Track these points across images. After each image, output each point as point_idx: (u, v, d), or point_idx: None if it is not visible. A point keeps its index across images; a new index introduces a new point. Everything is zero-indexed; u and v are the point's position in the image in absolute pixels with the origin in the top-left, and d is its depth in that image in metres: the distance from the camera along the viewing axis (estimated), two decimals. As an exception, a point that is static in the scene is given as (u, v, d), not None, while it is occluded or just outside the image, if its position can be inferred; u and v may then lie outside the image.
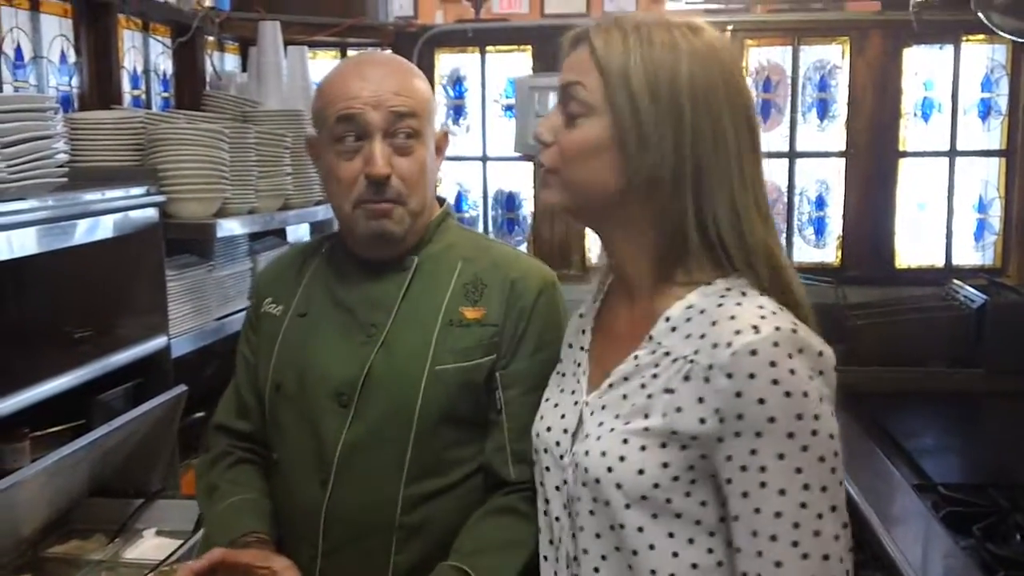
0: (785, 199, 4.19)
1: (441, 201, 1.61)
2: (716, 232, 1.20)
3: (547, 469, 1.31)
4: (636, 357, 1.23)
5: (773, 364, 1.11)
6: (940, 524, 2.22)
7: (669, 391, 1.17)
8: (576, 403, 1.30)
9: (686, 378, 1.15)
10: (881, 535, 2.18)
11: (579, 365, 1.34)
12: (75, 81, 2.96)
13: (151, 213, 2.38)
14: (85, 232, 2.14)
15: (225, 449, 1.62)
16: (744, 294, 1.19)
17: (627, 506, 1.17)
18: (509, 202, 4.39)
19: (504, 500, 1.45)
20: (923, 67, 4.08)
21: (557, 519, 1.30)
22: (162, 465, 2.41)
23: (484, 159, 4.35)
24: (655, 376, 1.19)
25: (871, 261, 4.11)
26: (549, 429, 1.32)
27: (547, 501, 1.32)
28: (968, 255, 4.18)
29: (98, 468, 2.23)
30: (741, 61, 1.23)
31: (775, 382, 1.10)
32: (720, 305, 1.18)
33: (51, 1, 2.83)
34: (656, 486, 1.16)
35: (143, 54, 3.31)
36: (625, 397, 1.22)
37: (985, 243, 4.18)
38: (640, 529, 1.17)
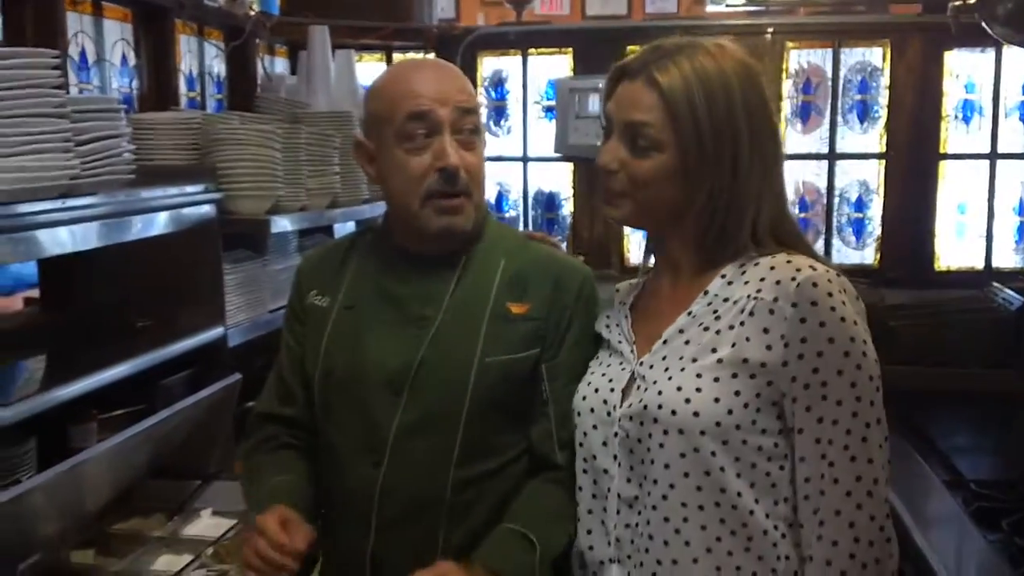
0: (824, 201, 4.21)
1: None
2: (761, 225, 1.40)
3: (594, 427, 1.46)
4: (690, 313, 1.41)
5: (830, 295, 1.31)
6: (970, 519, 2.26)
7: (732, 327, 1.35)
8: (623, 367, 1.45)
9: (751, 313, 1.34)
10: (911, 528, 2.22)
11: (621, 342, 1.49)
12: (135, 83, 3.08)
13: (209, 209, 2.49)
14: (147, 227, 2.25)
15: (268, 434, 1.69)
16: (790, 255, 1.39)
17: (702, 432, 1.33)
18: (549, 202, 4.46)
19: (554, 475, 1.54)
20: (964, 69, 4.09)
21: (605, 471, 1.43)
22: (218, 448, 2.51)
23: (525, 160, 4.42)
24: (717, 318, 1.37)
25: (910, 263, 4.11)
26: (597, 391, 1.47)
27: (592, 458, 1.46)
28: (1008, 258, 4.17)
29: (159, 450, 2.34)
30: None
31: (833, 309, 1.31)
32: (774, 258, 1.38)
33: (113, 6, 2.95)
34: (729, 412, 1.33)
35: (198, 57, 3.43)
36: (687, 343, 1.39)
37: (1025, 246, 4.18)
38: (713, 453, 1.33)
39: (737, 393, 1.33)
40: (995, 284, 3.84)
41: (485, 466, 1.55)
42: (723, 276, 1.41)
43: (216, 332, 2.49)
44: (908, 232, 4.13)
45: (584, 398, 1.49)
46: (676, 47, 1.41)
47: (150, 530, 2.28)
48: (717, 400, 1.33)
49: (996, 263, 4.15)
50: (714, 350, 1.35)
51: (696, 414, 1.33)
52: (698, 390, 1.34)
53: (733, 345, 1.34)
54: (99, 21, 2.92)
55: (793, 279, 1.33)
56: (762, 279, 1.36)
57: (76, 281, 2.54)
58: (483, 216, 1.64)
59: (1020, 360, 3.43)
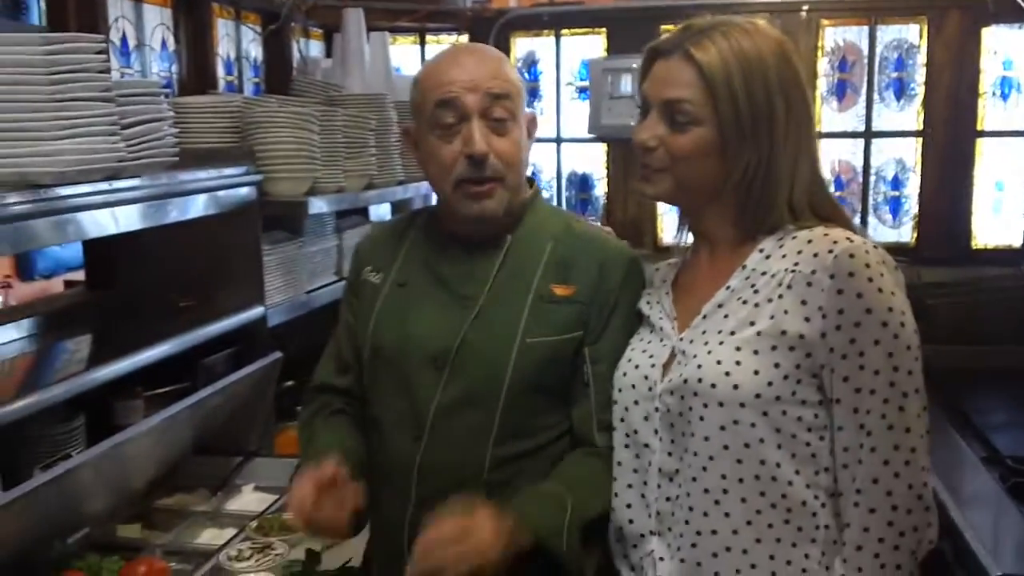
0: (860, 179, 4.18)
1: (531, 182, 1.70)
2: (797, 198, 1.42)
3: (635, 403, 1.48)
4: (729, 287, 1.43)
5: (868, 265, 1.33)
6: (1007, 494, 2.27)
7: (771, 300, 1.37)
8: (664, 344, 1.48)
9: (789, 286, 1.36)
10: (947, 504, 2.23)
11: (662, 318, 1.52)
12: (174, 68, 3.13)
13: (249, 191, 2.53)
14: (189, 209, 2.29)
15: (324, 403, 1.73)
16: (827, 228, 1.40)
17: (742, 404, 1.35)
18: (583, 183, 4.47)
19: (595, 450, 1.56)
20: (1002, 46, 4.04)
21: (646, 445, 1.46)
22: (259, 426, 2.56)
23: (558, 140, 4.43)
24: (755, 291, 1.39)
25: (947, 241, 4.07)
26: (637, 367, 1.49)
27: (633, 433, 1.49)
28: (1046, 235, 4.13)
29: (202, 427, 2.38)
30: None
31: (870, 280, 1.32)
32: (811, 231, 1.39)
33: (152, -9, 3.00)
34: (769, 384, 1.35)
35: (235, 41, 3.47)
36: (727, 317, 1.41)
37: (1063, 223, 4.13)
38: (753, 424, 1.35)
39: (776, 365, 1.34)
40: (1033, 262, 3.80)
41: (523, 446, 1.57)
42: (761, 250, 1.42)
43: (256, 312, 2.53)
44: (945, 210, 4.10)
45: (625, 374, 1.51)
46: (710, 25, 1.42)
47: (194, 505, 2.34)
48: (756, 373, 1.34)
49: (1034, 241, 4.11)
50: (752, 323, 1.37)
51: (736, 387, 1.35)
52: (737, 363, 1.35)
53: (771, 318, 1.35)
54: (139, 7, 2.97)
55: (830, 251, 1.34)
56: (799, 252, 1.37)
57: (120, 262, 2.60)
58: (523, 199, 1.65)
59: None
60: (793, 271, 1.36)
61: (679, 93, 1.41)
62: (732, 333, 1.38)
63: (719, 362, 1.37)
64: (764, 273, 1.40)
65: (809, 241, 1.38)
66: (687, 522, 1.41)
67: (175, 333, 2.25)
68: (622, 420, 1.52)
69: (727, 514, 1.37)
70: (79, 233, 1.93)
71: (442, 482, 1.54)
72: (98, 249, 2.60)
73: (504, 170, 1.57)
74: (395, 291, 1.65)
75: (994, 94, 4.08)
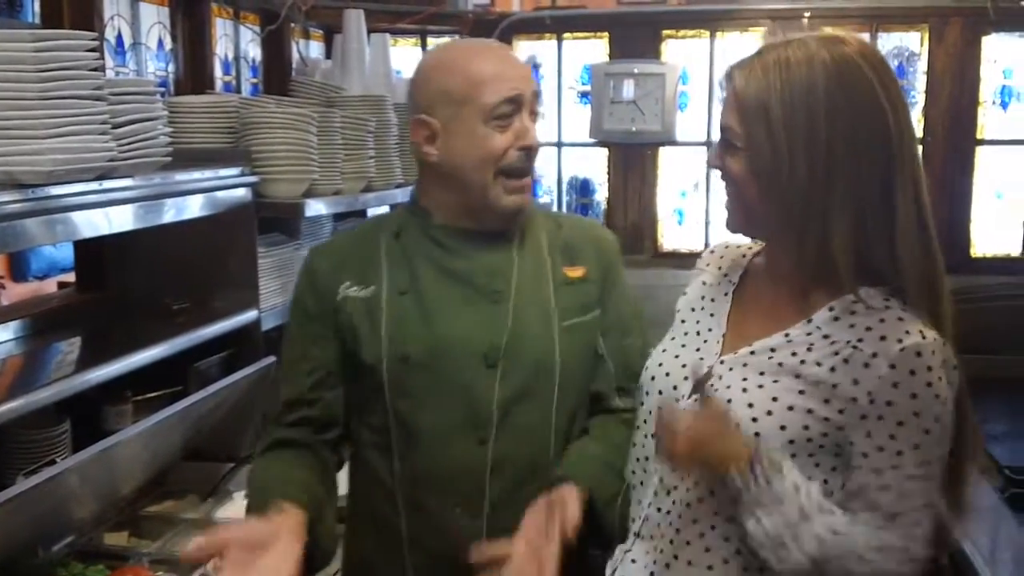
0: (860, 186, 4.16)
1: None
2: (859, 248, 1.31)
3: (659, 409, 1.43)
4: (787, 335, 1.36)
5: (930, 369, 1.27)
6: (1005, 504, 2.25)
7: (821, 365, 1.31)
8: (702, 359, 1.42)
9: (845, 360, 1.30)
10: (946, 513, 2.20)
11: (711, 331, 1.47)
12: (171, 67, 3.10)
13: (244, 193, 2.50)
14: (183, 210, 2.26)
15: (275, 437, 1.64)
16: (904, 306, 1.32)
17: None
18: (583, 188, 4.46)
19: (622, 416, 1.61)
20: (1002, 55, 4.04)
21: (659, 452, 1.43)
22: (252, 431, 2.52)
23: (559, 145, 4.42)
24: (810, 350, 1.33)
25: (947, 249, 3.95)
26: (668, 375, 1.46)
27: (652, 436, 1.46)
28: (1046, 244, 4.12)
29: (192, 432, 2.35)
30: (886, 72, 1.34)
31: (929, 384, 1.27)
32: (887, 307, 1.31)
33: (149, -10, 2.97)
34: (791, 442, 1.31)
35: (234, 41, 3.45)
36: (772, 359, 1.35)
37: (1064, 233, 4.12)
38: None
39: (805, 427, 1.31)
40: (1032, 271, 3.79)
41: (581, 425, 1.62)
42: (831, 309, 1.35)
43: (250, 315, 2.50)
44: (945, 218, 4.08)
45: (653, 378, 1.48)
46: (771, 46, 1.35)
47: (183, 512, 2.30)
48: (783, 428, 1.31)
49: (1034, 250, 4.10)
50: (798, 376, 1.32)
51: (758, 434, 1.31)
52: (769, 413, 1.32)
53: (818, 384, 1.31)
54: (135, 5, 2.94)
55: (899, 341, 1.28)
56: (868, 328, 1.30)
57: (112, 263, 2.57)
58: None
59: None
60: (855, 347, 1.30)
61: (725, 119, 1.38)
62: (775, 381, 1.33)
63: (751, 405, 1.33)
64: (826, 336, 1.33)
65: (881, 321, 1.30)
66: (671, 541, 1.39)
67: (167, 336, 2.22)
68: (644, 422, 1.50)
69: (707, 549, 1.36)
70: (69, 233, 1.90)
71: (514, 481, 1.56)
72: (89, 250, 2.57)
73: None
74: (400, 299, 1.60)
75: (994, 102, 4.09)
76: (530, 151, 1.59)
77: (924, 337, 1.28)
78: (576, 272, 1.64)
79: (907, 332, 1.29)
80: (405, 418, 1.58)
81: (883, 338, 1.29)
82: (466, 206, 1.61)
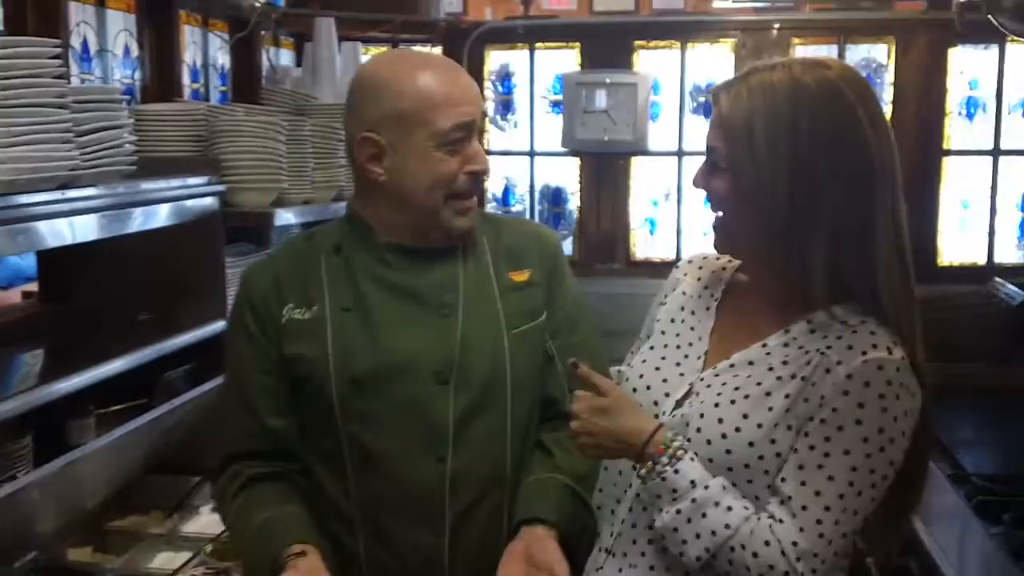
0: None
1: None
2: (836, 271, 1.32)
3: None
4: (765, 346, 1.37)
5: (889, 383, 1.28)
6: (972, 512, 2.26)
7: (794, 377, 1.32)
8: (683, 374, 1.43)
9: (812, 366, 1.31)
10: (914, 521, 2.21)
11: (692, 345, 1.46)
12: (138, 74, 3.07)
13: (212, 202, 2.47)
14: (149, 219, 2.23)
15: (247, 474, 1.59)
16: (879, 324, 1.33)
17: (729, 468, 1.32)
18: (555, 196, 4.45)
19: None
20: (968, 66, 4.09)
21: (633, 467, 1.40)
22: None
23: (532, 154, 4.42)
24: (785, 363, 1.34)
25: (914, 258, 4.08)
26: (649, 388, 1.45)
27: None
28: (1010, 253, 4.19)
29: (158, 446, 2.32)
30: (869, 98, 1.34)
31: (881, 396, 1.28)
32: (863, 323, 1.33)
33: (116, -4, 2.94)
34: (760, 458, 1.31)
35: (202, 49, 3.42)
36: (750, 377, 1.35)
37: (1028, 242, 4.18)
38: (733, 484, 1.32)
39: (772, 441, 1.31)
40: (997, 280, 3.83)
41: (536, 431, 1.62)
42: (809, 321, 1.36)
43: (218, 326, 2.46)
44: (912, 228, 4.05)
45: (635, 390, 1.47)
46: (754, 69, 1.36)
47: (148, 527, 2.25)
48: (752, 444, 1.31)
49: (999, 259, 4.18)
50: (769, 394, 1.32)
51: (728, 451, 1.32)
52: (737, 430, 1.32)
53: (787, 397, 1.31)
54: (102, 11, 2.91)
55: (864, 353, 1.29)
56: (839, 338, 1.32)
57: (76, 274, 2.53)
58: None
59: (1022, 354, 3.42)
60: (823, 354, 1.31)
61: (710, 140, 1.38)
62: (746, 397, 1.33)
63: (721, 420, 1.33)
64: (801, 347, 1.34)
65: (854, 332, 1.32)
66: (643, 554, 1.39)
67: (132, 348, 2.19)
68: None
69: (688, 572, 1.35)
70: (31, 243, 1.88)
71: (473, 497, 1.54)
72: (53, 260, 2.54)
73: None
74: (344, 317, 1.56)
75: (960, 113, 4.14)
76: (481, 177, 1.58)
77: (891, 354, 1.29)
78: (521, 276, 1.63)
79: (874, 346, 1.30)
80: (359, 440, 1.54)
81: (850, 348, 1.30)
82: (414, 226, 1.58)
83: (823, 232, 1.30)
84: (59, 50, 1.81)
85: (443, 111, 1.52)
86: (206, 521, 2.30)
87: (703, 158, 1.42)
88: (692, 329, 1.48)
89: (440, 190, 1.54)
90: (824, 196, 1.30)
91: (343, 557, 1.56)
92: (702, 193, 1.43)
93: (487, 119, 1.63)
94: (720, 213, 1.41)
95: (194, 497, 2.38)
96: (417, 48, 4.27)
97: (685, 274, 1.57)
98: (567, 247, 4.19)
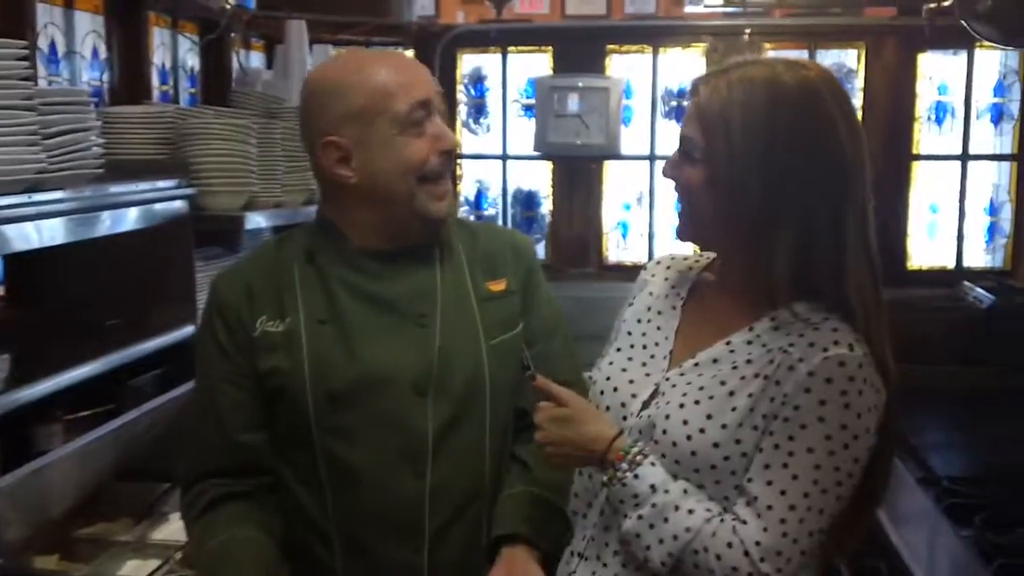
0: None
1: None
2: (801, 268, 1.32)
3: None
4: (729, 343, 1.37)
5: (851, 379, 1.27)
6: (942, 515, 2.27)
7: (757, 376, 1.31)
8: (648, 375, 1.42)
9: (775, 364, 1.31)
10: (884, 524, 2.24)
11: (658, 345, 1.46)
12: (106, 76, 3.04)
13: (181, 205, 2.45)
14: (117, 223, 2.21)
15: (213, 494, 1.55)
16: (842, 321, 1.32)
17: (696, 470, 1.31)
18: (528, 200, 4.45)
19: None
20: (937, 72, 4.14)
21: None
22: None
23: (504, 158, 4.41)
24: (748, 361, 1.34)
25: (883, 262, 4.10)
26: (616, 390, 1.44)
27: None
28: (979, 257, 4.23)
29: (126, 452, 2.30)
30: (845, 101, 1.34)
31: (844, 393, 1.27)
32: (826, 320, 1.32)
33: (84, -2, 2.91)
34: (726, 459, 1.30)
35: (172, 51, 3.39)
36: (714, 377, 1.35)
37: (996, 246, 4.24)
38: (701, 486, 1.32)
39: (738, 441, 1.30)
40: (966, 283, 3.88)
41: (511, 449, 1.60)
42: (773, 319, 1.35)
43: (187, 331, 2.45)
44: (881, 232, 4.11)
45: (602, 392, 1.46)
46: (735, 64, 1.36)
47: (116, 534, 2.22)
48: (716, 445, 1.31)
49: (967, 262, 4.22)
50: (732, 394, 1.32)
51: (694, 453, 1.31)
52: (701, 431, 1.31)
53: (750, 396, 1.31)
54: (70, 12, 2.87)
55: (825, 350, 1.28)
56: (801, 335, 1.31)
57: (43, 278, 2.50)
58: None
59: (991, 357, 3.46)
60: (785, 351, 1.31)
61: (685, 129, 1.38)
62: (711, 398, 1.33)
63: (685, 422, 1.32)
64: (764, 345, 1.34)
65: (816, 329, 1.31)
66: (615, 552, 1.38)
67: (100, 353, 2.18)
68: None
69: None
70: (-3, 247, 1.84)
71: (453, 510, 1.53)
72: (20, 264, 2.50)
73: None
74: (320, 329, 1.52)
75: (929, 118, 4.18)
76: (452, 152, 1.56)
77: (852, 350, 1.28)
78: (498, 286, 1.61)
79: (836, 343, 1.29)
80: (336, 455, 1.51)
81: (812, 345, 1.30)
82: (390, 221, 1.55)
83: (792, 230, 1.30)
84: (26, 51, 1.79)
85: (398, 95, 1.50)
86: (175, 528, 2.27)
87: None
88: (659, 329, 1.48)
89: (412, 174, 1.51)
90: (796, 193, 1.30)
91: (320, 573, 1.53)
92: (674, 197, 1.42)
93: (444, 99, 1.59)
94: (686, 203, 1.39)
95: (163, 504, 2.35)
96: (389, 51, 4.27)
97: (652, 275, 1.56)
98: (540, 251, 4.20)
